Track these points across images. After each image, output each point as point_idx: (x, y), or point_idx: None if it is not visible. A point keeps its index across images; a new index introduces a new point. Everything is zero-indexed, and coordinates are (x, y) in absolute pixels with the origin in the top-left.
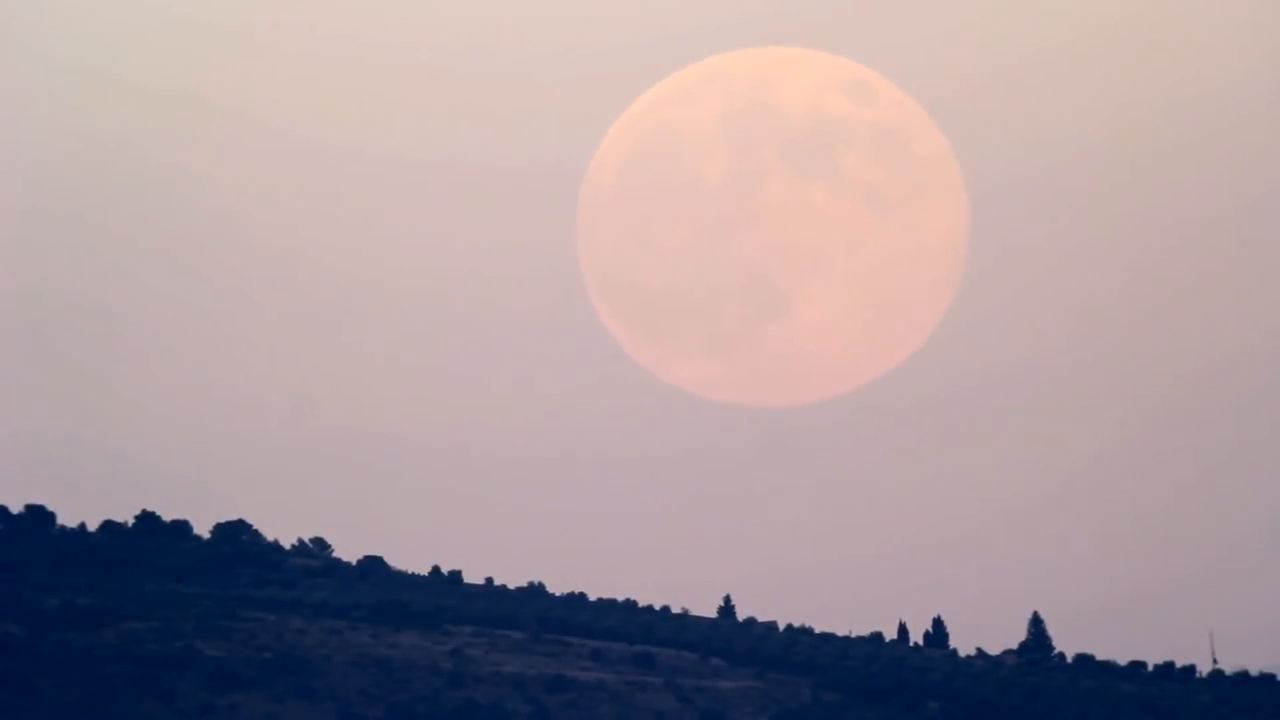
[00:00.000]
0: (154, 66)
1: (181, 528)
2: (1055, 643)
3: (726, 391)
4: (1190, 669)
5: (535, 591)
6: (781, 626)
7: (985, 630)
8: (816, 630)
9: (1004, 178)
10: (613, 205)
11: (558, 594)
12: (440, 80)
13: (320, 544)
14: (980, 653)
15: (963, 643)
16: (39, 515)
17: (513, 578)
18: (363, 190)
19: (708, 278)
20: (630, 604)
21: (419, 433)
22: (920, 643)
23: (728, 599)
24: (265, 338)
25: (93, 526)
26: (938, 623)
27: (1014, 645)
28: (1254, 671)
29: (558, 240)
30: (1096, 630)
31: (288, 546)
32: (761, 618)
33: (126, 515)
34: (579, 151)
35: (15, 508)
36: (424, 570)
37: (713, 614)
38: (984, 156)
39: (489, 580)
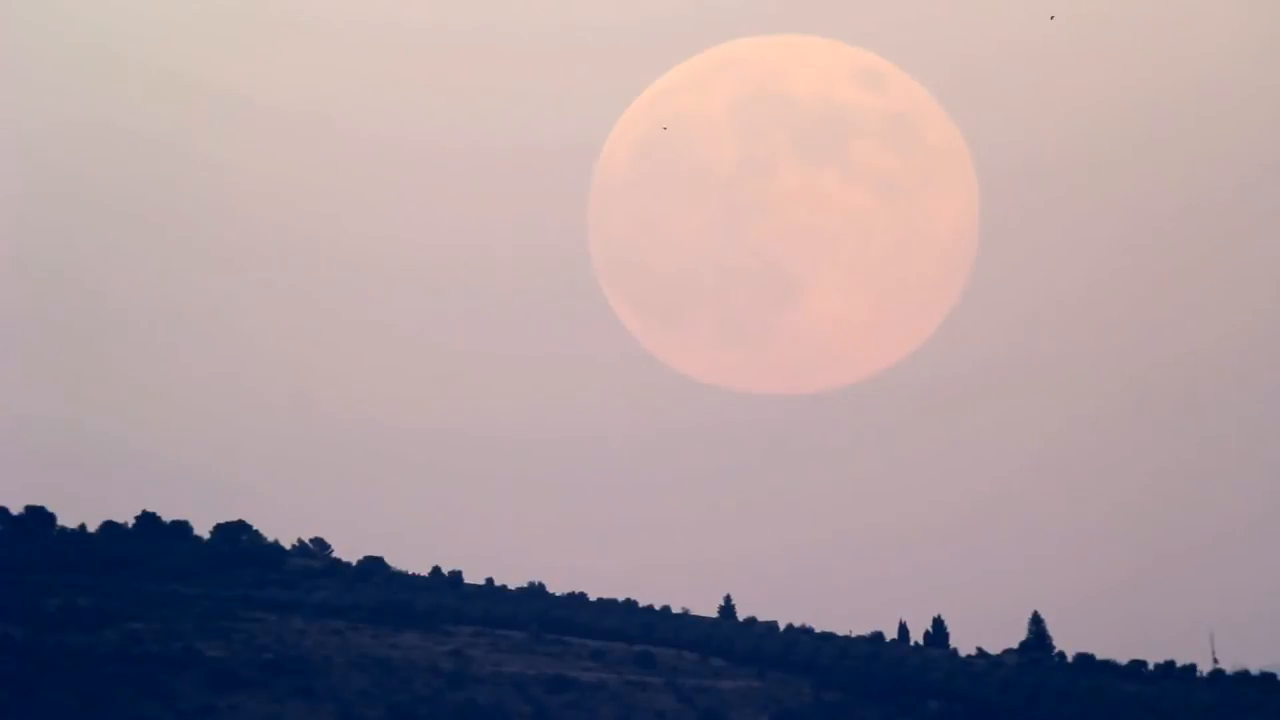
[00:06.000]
0: (159, 51)
1: (181, 528)
2: (1055, 642)
3: (738, 379)
4: (1190, 668)
5: (535, 591)
6: (781, 626)
7: (985, 630)
8: (816, 630)
9: (1015, 165)
10: (624, 193)
11: (558, 594)
12: (451, 66)
13: (320, 544)
14: (980, 653)
15: (963, 643)
16: (39, 516)
17: (513, 578)
18: (369, 177)
19: (719, 265)
20: (630, 604)
21: (421, 428)
22: (920, 643)
23: (728, 599)
24: (267, 335)
25: (93, 527)
26: (938, 623)
27: (1014, 645)
28: (1254, 671)
29: (569, 228)
30: (1096, 630)
31: (288, 546)
32: (761, 618)
33: (126, 515)
34: (591, 139)
35: (15, 508)
36: (424, 570)
37: (713, 614)
38: (995, 143)
39: (489, 580)
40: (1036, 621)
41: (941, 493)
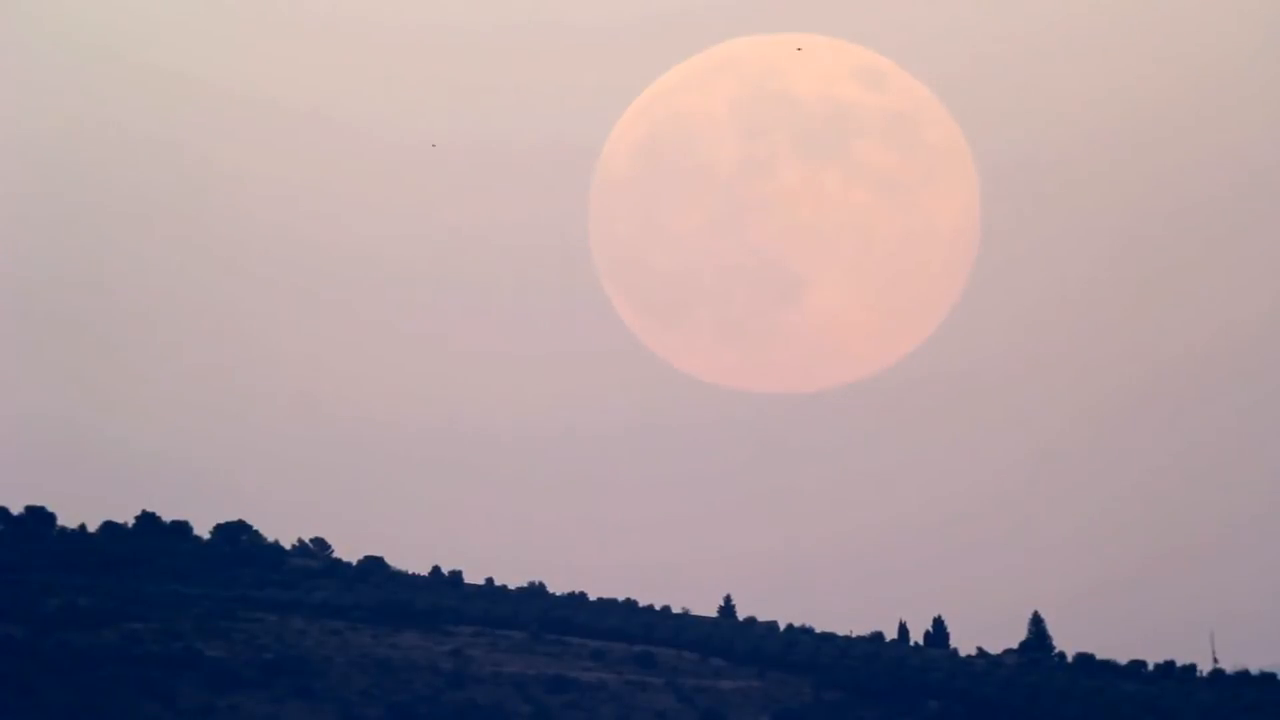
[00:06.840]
0: (159, 51)
1: (181, 528)
2: (1055, 642)
3: (738, 378)
4: (1190, 668)
5: (535, 591)
6: (781, 626)
7: (985, 630)
8: (816, 630)
9: (1015, 163)
10: (625, 192)
11: (558, 594)
12: (451, 66)
13: (320, 544)
14: (980, 652)
15: (963, 643)
16: (39, 516)
17: (513, 578)
18: (369, 177)
19: (720, 264)
20: (630, 604)
21: (422, 428)
22: (920, 642)
23: (728, 599)
24: (268, 334)
25: (93, 527)
26: (938, 622)
27: (1014, 645)
28: (1254, 671)
29: (570, 227)
30: (1096, 630)
31: (288, 546)
32: (761, 618)
33: (126, 515)
34: (592, 138)
35: (15, 508)
36: (424, 570)
37: (713, 614)
38: (995, 142)
39: (489, 580)
40: (1036, 621)
41: (941, 492)
